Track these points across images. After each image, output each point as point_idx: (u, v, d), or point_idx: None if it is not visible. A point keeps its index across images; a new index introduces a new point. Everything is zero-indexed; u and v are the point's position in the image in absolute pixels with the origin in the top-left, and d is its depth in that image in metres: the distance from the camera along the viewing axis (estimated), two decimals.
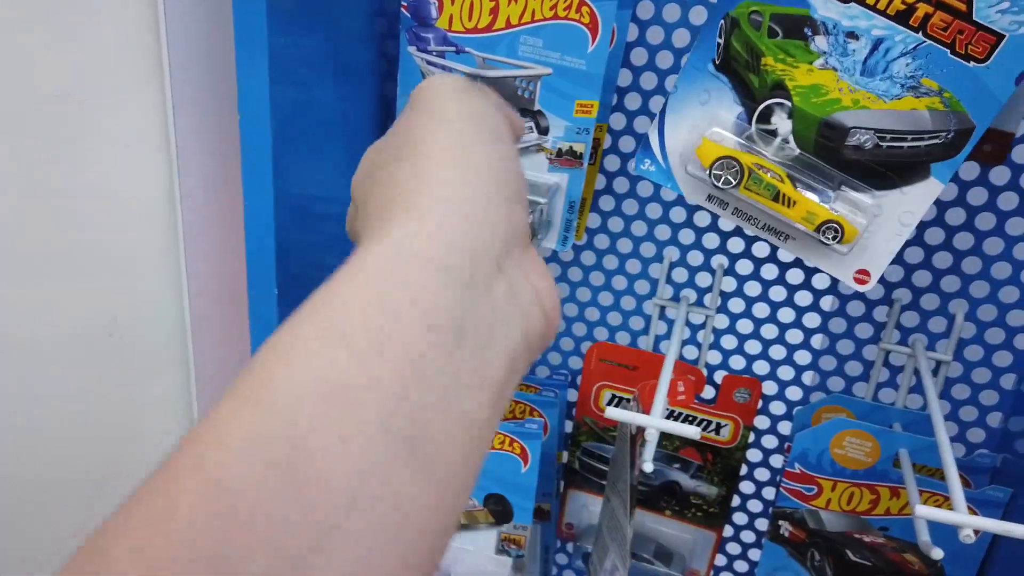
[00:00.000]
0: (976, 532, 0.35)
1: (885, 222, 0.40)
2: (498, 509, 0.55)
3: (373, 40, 0.52)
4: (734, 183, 0.40)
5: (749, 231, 0.43)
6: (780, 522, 0.52)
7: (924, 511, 0.34)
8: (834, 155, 0.39)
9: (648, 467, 0.40)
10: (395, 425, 0.18)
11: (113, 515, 0.16)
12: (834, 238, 0.39)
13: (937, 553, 0.35)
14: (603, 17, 0.42)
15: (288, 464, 0.16)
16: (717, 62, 0.41)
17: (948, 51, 0.36)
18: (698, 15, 0.46)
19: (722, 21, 0.40)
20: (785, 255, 0.51)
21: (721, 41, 0.40)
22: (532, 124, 0.46)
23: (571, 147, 0.45)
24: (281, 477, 0.16)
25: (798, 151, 0.40)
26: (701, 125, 0.41)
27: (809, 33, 0.38)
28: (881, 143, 0.38)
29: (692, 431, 0.37)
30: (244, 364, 0.19)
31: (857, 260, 0.41)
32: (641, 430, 0.48)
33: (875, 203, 0.39)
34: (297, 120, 0.42)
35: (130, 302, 0.55)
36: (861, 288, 0.41)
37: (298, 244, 0.44)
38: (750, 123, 0.40)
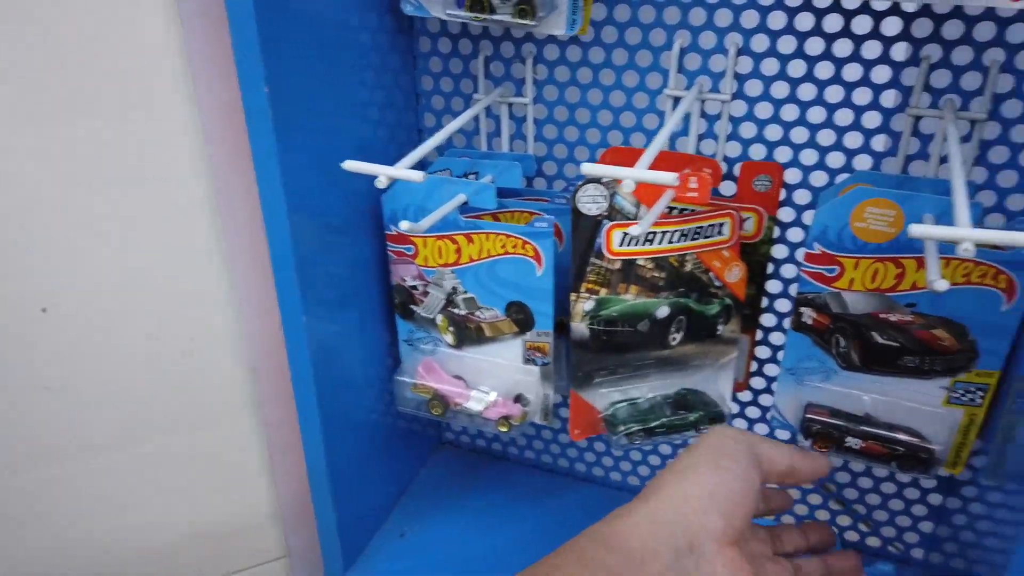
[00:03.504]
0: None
1: None
2: (520, 317, 0.56)
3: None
4: None
5: None
6: (802, 309, 0.50)
7: (919, 229, 0.31)
8: None
9: (636, 230, 0.39)
10: None
11: None
12: None
13: (941, 285, 0.33)
14: None
15: None
16: None
17: None
18: None
19: None
20: (804, 22, 0.48)
21: None
22: None
23: None
24: None
25: None
26: None
27: None
28: None
29: (669, 176, 0.35)
30: None
31: None
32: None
33: None
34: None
35: None
36: None
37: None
38: None
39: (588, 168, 0.37)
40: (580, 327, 0.54)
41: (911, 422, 0.50)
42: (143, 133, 0.59)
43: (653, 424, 0.55)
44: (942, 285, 0.33)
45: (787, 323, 0.57)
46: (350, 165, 0.42)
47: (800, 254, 0.54)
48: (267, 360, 0.72)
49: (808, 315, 0.50)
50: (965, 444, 0.50)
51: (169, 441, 0.73)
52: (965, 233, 0.30)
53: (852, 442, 0.50)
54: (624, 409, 0.56)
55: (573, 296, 0.53)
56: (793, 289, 0.56)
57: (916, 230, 0.31)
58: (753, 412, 0.62)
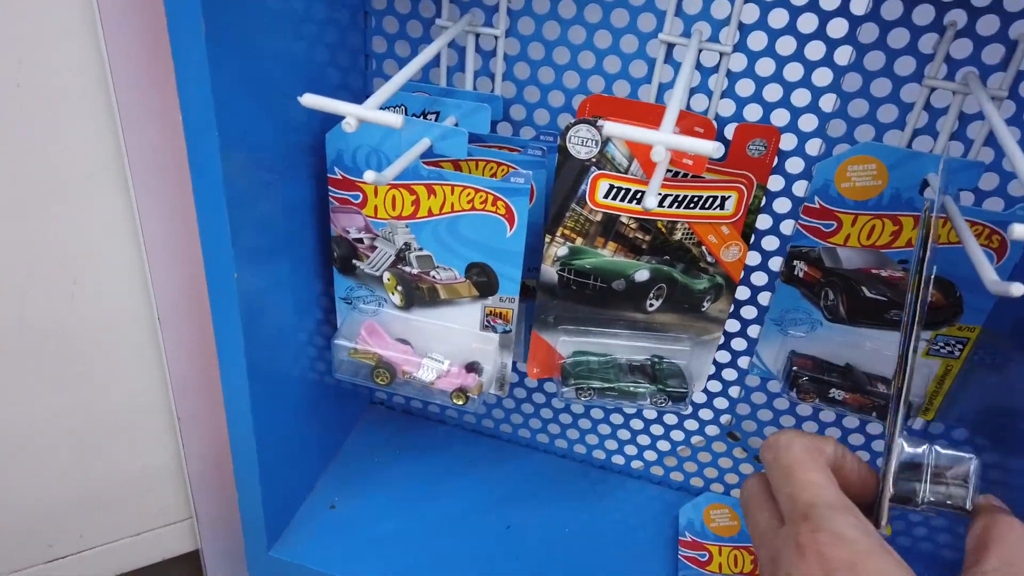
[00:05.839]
0: None
1: None
2: (482, 280, 0.50)
3: None
4: None
5: None
6: (795, 262, 0.49)
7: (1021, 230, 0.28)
8: None
9: (652, 202, 0.33)
10: None
11: None
12: None
13: (1018, 289, 0.30)
14: None
15: None
16: None
17: None
18: None
19: None
20: None
21: None
22: None
23: None
24: None
25: None
26: None
27: None
28: None
29: (711, 146, 0.30)
30: None
31: None
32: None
33: None
34: None
35: None
36: None
37: None
38: None
39: (612, 128, 0.31)
40: (549, 271, 0.49)
41: (889, 372, 0.50)
42: (26, 35, 0.48)
43: (605, 386, 0.51)
44: (1019, 290, 0.30)
45: (762, 298, 0.54)
46: (310, 100, 0.35)
47: (785, 226, 0.51)
48: (176, 306, 0.63)
49: (800, 268, 0.49)
50: (939, 392, 0.51)
51: (56, 392, 0.64)
52: None
53: (836, 393, 0.50)
54: (581, 363, 0.52)
55: (547, 239, 0.48)
56: (774, 263, 0.52)
57: (1020, 231, 0.28)
58: (714, 385, 0.59)
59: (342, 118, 0.35)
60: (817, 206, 0.46)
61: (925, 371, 0.50)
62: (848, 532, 0.27)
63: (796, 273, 0.49)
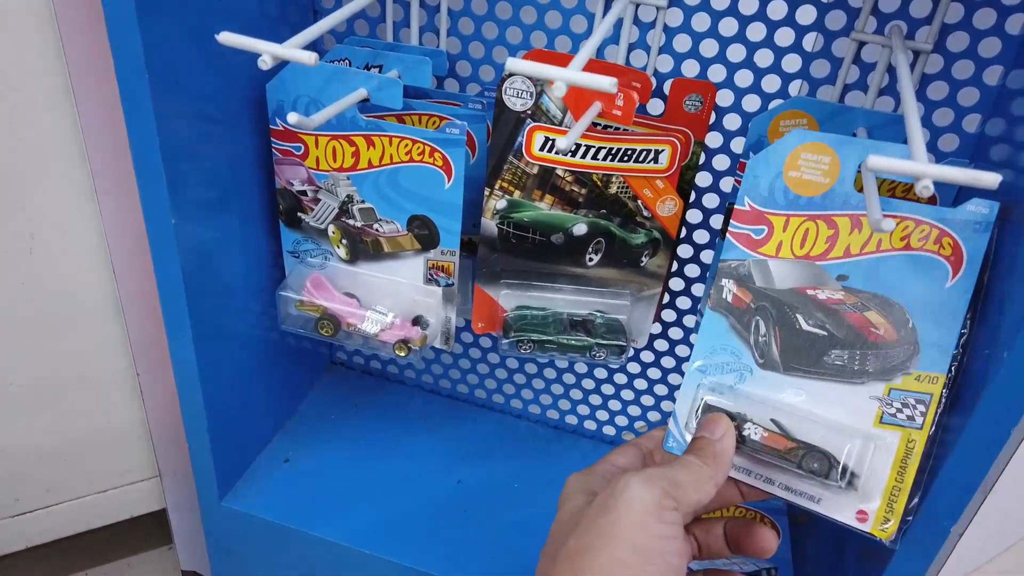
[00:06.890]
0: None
1: None
2: (423, 233, 0.51)
3: None
4: None
5: None
6: (723, 282, 0.41)
7: (876, 161, 0.28)
8: None
9: (563, 144, 0.34)
10: None
11: None
12: None
13: (888, 224, 0.30)
14: None
15: None
16: None
17: None
18: None
19: None
20: None
21: None
22: None
23: None
24: None
25: None
26: None
27: None
28: None
29: (607, 82, 0.30)
30: None
31: None
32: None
33: None
34: None
35: None
36: None
37: None
38: None
39: (515, 64, 0.31)
40: (489, 224, 0.50)
41: (831, 446, 0.40)
42: None
43: (545, 339, 0.52)
44: (888, 225, 0.30)
45: (705, 256, 0.55)
46: (226, 38, 0.35)
47: (724, 183, 0.52)
48: (131, 262, 0.64)
49: (729, 289, 0.41)
50: (901, 489, 0.38)
51: (16, 348, 0.65)
52: (924, 168, 0.28)
53: (752, 430, 0.40)
54: (522, 316, 0.53)
55: (487, 191, 0.49)
56: (714, 220, 0.53)
57: (875, 162, 0.28)
58: (662, 344, 0.60)
59: (282, 65, 0.36)
60: (748, 208, 0.40)
61: (878, 450, 0.38)
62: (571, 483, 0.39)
63: (724, 296, 0.41)
